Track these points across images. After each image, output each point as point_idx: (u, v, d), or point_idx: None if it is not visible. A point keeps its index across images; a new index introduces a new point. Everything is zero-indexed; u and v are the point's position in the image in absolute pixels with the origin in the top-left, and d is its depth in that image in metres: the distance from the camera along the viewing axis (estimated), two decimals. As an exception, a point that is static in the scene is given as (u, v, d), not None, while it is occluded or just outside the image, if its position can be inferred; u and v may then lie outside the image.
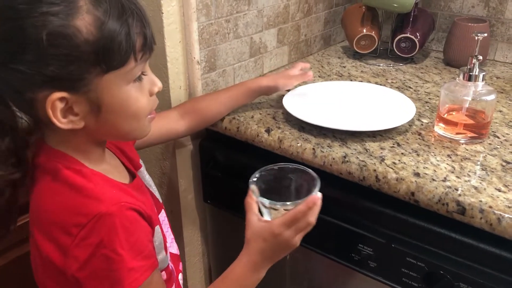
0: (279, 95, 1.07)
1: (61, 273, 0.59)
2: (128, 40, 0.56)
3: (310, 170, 0.69)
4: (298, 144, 0.88)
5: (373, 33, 1.31)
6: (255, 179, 0.69)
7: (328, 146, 0.86)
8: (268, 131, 0.93)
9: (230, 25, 1.07)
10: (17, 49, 0.53)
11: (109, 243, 0.56)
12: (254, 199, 0.69)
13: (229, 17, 1.06)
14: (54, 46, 0.53)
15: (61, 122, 0.57)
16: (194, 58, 1.00)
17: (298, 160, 0.88)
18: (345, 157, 0.82)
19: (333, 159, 0.83)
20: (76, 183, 0.59)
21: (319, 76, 1.23)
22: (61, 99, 0.56)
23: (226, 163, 1.03)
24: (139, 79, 0.62)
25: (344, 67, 1.31)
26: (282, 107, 0.98)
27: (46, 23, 0.52)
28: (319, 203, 0.66)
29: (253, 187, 0.68)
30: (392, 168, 0.78)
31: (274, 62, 1.27)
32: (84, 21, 0.54)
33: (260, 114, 1.00)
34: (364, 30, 1.31)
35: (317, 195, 0.66)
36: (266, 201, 0.66)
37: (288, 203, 0.65)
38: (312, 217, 0.67)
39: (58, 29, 0.53)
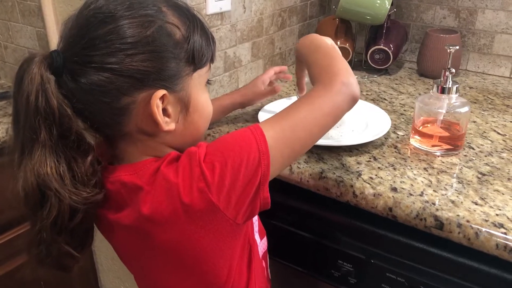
0: (255, 110, 1.06)
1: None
2: (208, 41, 0.63)
3: None
4: (275, 161, 0.86)
5: (347, 45, 1.31)
6: None
7: (304, 162, 0.85)
8: (243, 147, 0.92)
9: (203, 40, 1.06)
10: (119, 48, 0.55)
11: (224, 154, 0.57)
12: None
13: (202, 32, 1.05)
14: (158, 43, 0.56)
15: (163, 120, 0.59)
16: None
17: (276, 176, 0.86)
18: (322, 173, 0.81)
19: (310, 175, 0.82)
20: (173, 162, 0.59)
21: (294, 90, 1.22)
22: (161, 97, 0.58)
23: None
24: (208, 83, 0.67)
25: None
26: (257, 120, 0.97)
27: (148, 22, 0.56)
28: None
29: None
30: (369, 183, 0.77)
31: (249, 76, 1.26)
32: (175, 22, 0.59)
33: (236, 128, 0.99)
34: (338, 43, 1.31)
35: None
36: None
37: None
38: None
39: (162, 26, 0.57)
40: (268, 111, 1.01)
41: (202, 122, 0.66)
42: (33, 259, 0.60)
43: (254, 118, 1.02)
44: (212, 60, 0.65)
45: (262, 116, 0.98)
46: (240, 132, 0.59)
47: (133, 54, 0.55)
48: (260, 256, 0.76)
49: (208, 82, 0.67)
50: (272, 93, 1.01)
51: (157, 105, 0.57)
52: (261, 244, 0.78)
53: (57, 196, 0.54)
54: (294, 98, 1.09)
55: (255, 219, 0.77)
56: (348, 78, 0.66)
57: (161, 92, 0.57)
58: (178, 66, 0.59)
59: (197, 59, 0.61)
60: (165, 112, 0.59)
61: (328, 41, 0.78)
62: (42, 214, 0.55)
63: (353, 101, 0.67)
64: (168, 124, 0.60)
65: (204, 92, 0.65)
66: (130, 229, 0.61)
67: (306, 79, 0.87)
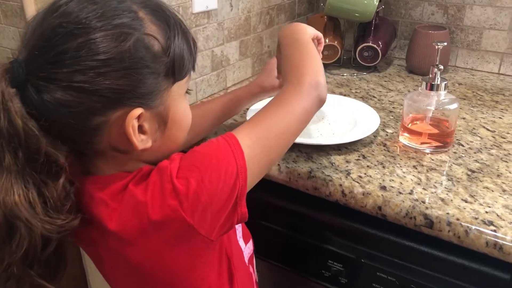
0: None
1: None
2: (189, 49, 0.58)
3: None
4: (263, 160, 0.85)
5: (335, 43, 1.30)
6: None
7: (293, 161, 0.84)
8: (232, 147, 0.90)
9: (189, 39, 1.04)
10: (89, 66, 0.49)
11: (201, 169, 0.53)
12: None
13: (188, 31, 1.03)
14: (135, 58, 0.51)
15: (139, 140, 0.54)
16: (153, 74, 0.96)
17: (264, 176, 0.85)
18: (310, 172, 0.80)
19: (299, 174, 0.81)
20: (143, 179, 0.55)
21: (283, 88, 1.21)
22: (138, 116, 0.53)
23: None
24: (187, 92, 0.62)
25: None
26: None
27: (124, 34, 0.50)
28: None
29: None
30: (358, 182, 0.76)
31: (238, 75, 1.25)
32: (153, 31, 0.53)
33: (224, 130, 0.97)
34: (327, 40, 1.30)
35: None
36: None
37: None
38: None
39: (139, 38, 0.51)
40: (258, 109, 1.00)
41: (180, 135, 0.62)
42: None
43: (242, 118, 1.01)
44: (193, 68, 0.60)
45: (251, 115, 0.97)
46: (215, 143, 0.56)
47: (106, 72, 0.49)
48: (247, 261, 0.74)
49: (188, 92, 0.62)
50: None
51: (132, 126, 0.53)
52: (247, 249, 0.75)
53: (27, 226, 0.49)
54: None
55: (238, 224, 0.75)
56: (316, 79, 0.65)
57: (138, 111, 0.53)
58: (156, 81, 0.54)
59: (177, 71, 0.56)
60: (141, 129, 0.55)
61: (310, 30, 0.77)
62: (11, 248, 0.50)
63: (320, 103, 0.66)
64: (144, 143, 0.56)
65: (183, 102, 0.60)
66: (99, 243, 0.58)
67: None
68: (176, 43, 0.55)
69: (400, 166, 0.81)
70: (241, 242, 0.73)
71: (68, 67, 0.49)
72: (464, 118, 1.01)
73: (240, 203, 0.56)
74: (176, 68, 0.56)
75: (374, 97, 1.14)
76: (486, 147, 0.88)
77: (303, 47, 0.72)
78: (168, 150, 0.61)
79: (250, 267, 0.76)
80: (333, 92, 1.17)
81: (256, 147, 0.58)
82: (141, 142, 0.55)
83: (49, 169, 0.51)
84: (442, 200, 0.71)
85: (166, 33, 0.55)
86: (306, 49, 0.72)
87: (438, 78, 0.84)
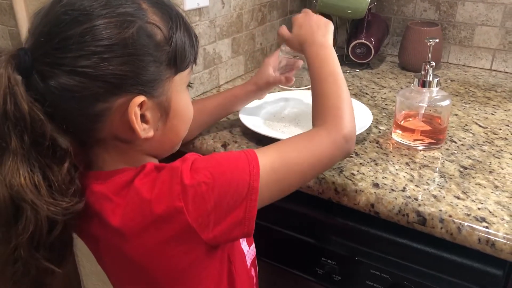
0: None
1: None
2: (191, 41, 0.59)
3: None
4: (256, 159, 0.85)
5: (328, 40, 1.30)
6: None
7: (286, 159, 0.83)
8: (224, 146, 0.90)
9: (181, 37, 1.03)
10: (93, 51, 0.50)
11: (214, 176, 0.54)
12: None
13: (180, 29, 1.03)
14: (138, 45, 0.52)
15: (141, 128, 0.55)
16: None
17: (256, 174, 0.85)
18: (303, 170, 0.80)
19: (292, 172, 0.80)
20: (152, 174, 0.56)
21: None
22: (140, 104, 0.54)
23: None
24: (189, 86, 0.63)
25: (301, 76, 1.30)
26: (238, 120, 0.95)
27: (127, 22, 0.52)
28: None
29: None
30: (351, 180, 0.76)
31: (230, 73, 1.25)
32: (155, 21, 0.55)
33: (216, 128, 0.97)
34: (319, 37, 1.29)
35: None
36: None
37: None
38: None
39: (142, 26, 0.53)
40: (251, 107, 1.00)
41: (182, 127, 0.63)
42: (8, 279, 0.55)
43: (235, 116, 1.00)
44: (194, 61, 0.61)
45: (244, 113, 0.97)
46: (236, 156, 0.57)
47: (109, 57, 0.51)
48: (249, 264, 0.74)
49: (189, 85, 0.63)
50: (286, 82, 0.92)
51: (135, 113, 0.54)
52: (250, 251, 0.75)
53: (33, 208, 0.50)
54: (275, 95, 1.08)
55: None
56: (352, 134, 0.67)
57: (140, 98, 0.54)
58: (158, 69, 0.55)
59: (179, 62, 0.57)
60: (143, 118, 0.56)
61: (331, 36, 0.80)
62: (18, 230, 0.51)
63: (346, 156, 0.69)
64: (146, 132, 0.56)
65: (185, 95, 0.61)
66: (99, 238, 0.59)
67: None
68: (178, 34, 0.57)
69: (393, 163, 0.81)
70: (244, 245, 0.73)
71: (73, 52, 0.50)
72: (456, 115, 1.01)
73: (249, 223, 0.56)
74: (178, 58, 0.57)
75: (367, 94, 1.14)
76: (478, 144, 0.88)
77: (342, 87, 0.72)
78: (170, 142, 0.63)
79: (252, 269, 0.75)
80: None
81: (273, 177, 0.58)
82: (144, 131, 0.56)
83: (54, 153, 0.53)
84: (435, 197, 0.71)
85: (168, 24, 0.56)
86: (345, 90, 0.71)
87: (430, 75, 0.84)
